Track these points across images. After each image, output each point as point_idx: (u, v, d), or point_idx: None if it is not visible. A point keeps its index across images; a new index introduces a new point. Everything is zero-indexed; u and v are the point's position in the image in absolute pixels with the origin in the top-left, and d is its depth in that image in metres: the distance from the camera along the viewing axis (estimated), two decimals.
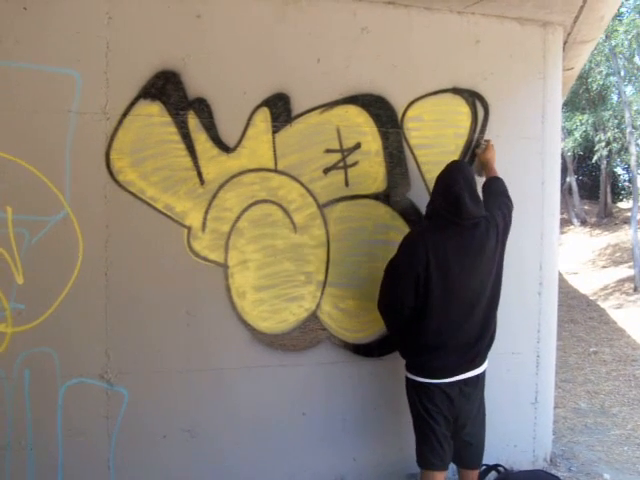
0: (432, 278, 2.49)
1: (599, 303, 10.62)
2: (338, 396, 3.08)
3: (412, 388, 2.68)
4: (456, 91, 3.16)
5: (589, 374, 5.76)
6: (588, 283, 12.26)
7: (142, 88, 2.76)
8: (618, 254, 15.77)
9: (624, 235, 17.34)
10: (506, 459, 3.28)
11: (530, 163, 3.28)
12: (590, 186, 23.71)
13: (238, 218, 2.91)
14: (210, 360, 2.91)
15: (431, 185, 3.02)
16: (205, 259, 2.87)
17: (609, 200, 21.36)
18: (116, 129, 2.74)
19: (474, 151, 3.17)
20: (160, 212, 2.81)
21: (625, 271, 13.80)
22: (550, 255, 3.36)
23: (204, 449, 2.93)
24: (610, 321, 8.97)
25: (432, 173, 3.07)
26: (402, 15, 3.07)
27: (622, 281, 12.80)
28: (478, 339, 2.60)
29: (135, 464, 2.84)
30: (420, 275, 2.50)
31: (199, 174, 2.85)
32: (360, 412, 3.11)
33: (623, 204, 24.37)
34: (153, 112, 2.79)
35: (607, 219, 20.68)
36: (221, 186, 2.88)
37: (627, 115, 12.58)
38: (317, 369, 3.05)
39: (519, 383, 3.31)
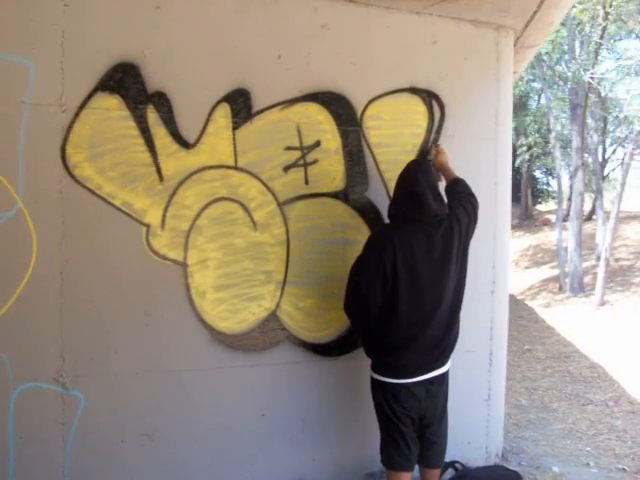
0: (400, 276, 2.78)
1: (527, 302, 11.70)
2: (298, 396, 3.38)
3: (378, 388, 2.97)
4: (414, 91, 3.57)
5: (526, 371, 6.43)
6: (513, 283, 13.32)
7: (100, 80, 2.96)
8: (540, 255, 17.21)
9: (544, 237, 18.90)
10: (460, 456, 3.72)
11: (484, 163, 3.74)
12: (511, 189, 25.47)
13: (198, 216, 3.15)
14: (169, 361, 3.13)
15: (389, 184, 3.47)
16: (164, 258, 3.10)
17: (529, 203, 23.36)
18: (72, 122, 2.92)
19: (426, 158, 3.54)
20: (118, 209, 3.00)
21: (548, 271, 15.08)
22: (502, 254, 3.85)
23: (163, 453, 3.14)
24: (539, 319, 9.91)
25: (390, 172, 3.49)
26: (362, 13, 3.45)
27: (547, 281, 14.03)
28: (444, 337, 2.92)
29: (92, 470, 3.02)
30: (388, 273, 2.79)
31: (158, 170, 3.08)
32: (319, 412, 3.42)
33: (542, 206, 26.38)
34: (111, 105, 3.01)
35: (528, 221, 22.49)
36: (180, 183, 3.11)
37: (551, 120, 13.95)
38: (277, 369, 3.33)
39: (473, 381, 3.76)
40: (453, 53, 3.65)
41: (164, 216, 3.12)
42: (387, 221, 3.37)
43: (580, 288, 12.21)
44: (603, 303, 10.63)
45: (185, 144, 3.14)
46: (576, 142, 12.47)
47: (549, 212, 24.90)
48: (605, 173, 20.22)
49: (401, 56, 3.54)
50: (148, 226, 3.09)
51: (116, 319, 3.07)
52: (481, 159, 3.72)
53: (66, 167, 2.95)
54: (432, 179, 2.98)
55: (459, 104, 3.66)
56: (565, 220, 15.22)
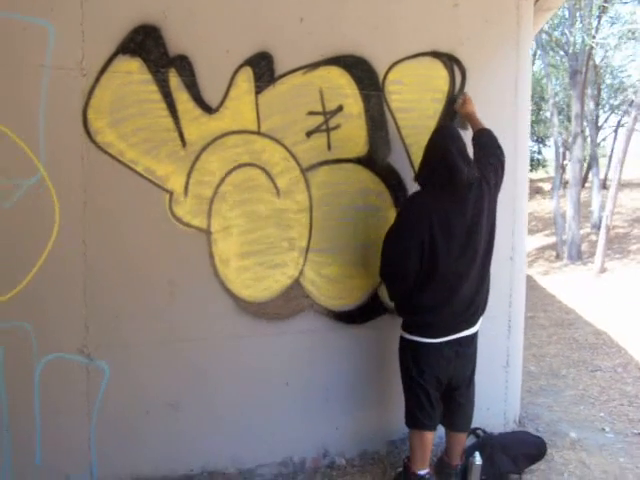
0: (437, 241, 2.84)
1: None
2: (321, 365, 3.41)
3: (407, 348, 3.04)
4: (435, 55, 3.55)
5: (532, 338, 6.51)
6: None
7: (120, 43, 2.92)
8: (533, 223, 17.41)
9: (537, 205, 19.11)
10: (479, 422, 3.76)
11: (503, 130, 3.74)
12: None
13: (221, 182, 3.14)
14: (193, 331, 3.14)
15: (411, 149, 3.47)
16: (187, 225, 3.09)
17: None
18: (93, 86, 2.89)
19: (453, 107, 3.56)
20: (141, 175, 2.99)
21: (543, 239, 15.28)
22: (521, 221, 3.87)
23: (187, 424, 3.17)
24: (539, 287, 10.04)
25: (412, 137, 3.50)
26: None
27: (542, 249, 14.22)
28: (475, 295, 3.01)
29: (117, 441, 3.06)
30: (425, 240, 2.85)
31: (181, 136, 3.05)
32: (343, 380, 3.45)
33: (533, 175, 26.59)
34: (132, 69, 2.97)
35: None
36: (204, 148, 3.09)
37: (549, 87, 14.01)
38: (300, 337, 3.36)
39: (492, 347, 3.81)
40: (474, 17, 3.63)
41: (187, 182, 3.11)
42: (410, 186, 3.42)
43: (578, 256, 12.39)
44: (603, 270, 10.79)
45: (208, 109, 3.11)
46: (575, 109, 12.49)
47: (540, 180, 25.12)
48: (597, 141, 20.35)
49: (422, 20, 3.51)
50: (171, 193, 3.08)
51: (140, 288, 3.07)
52: (501, 125, 3.71)
53: (88, 133, 2.93)
54: (462, 145, 3.00)
55: (479, 69, 3.65)
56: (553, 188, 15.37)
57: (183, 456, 3.23)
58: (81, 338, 2.99)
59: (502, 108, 3.72)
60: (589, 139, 16.53)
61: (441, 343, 2.99)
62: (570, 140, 13.39)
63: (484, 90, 3.66)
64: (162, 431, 3.17)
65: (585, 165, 18.14)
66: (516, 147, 3.76)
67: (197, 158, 3.12)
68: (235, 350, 3.27)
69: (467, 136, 3.34)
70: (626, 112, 18.92)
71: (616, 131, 21.01)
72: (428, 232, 2.87)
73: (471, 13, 3.61)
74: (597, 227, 14.86)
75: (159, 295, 3.10)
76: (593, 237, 13.95)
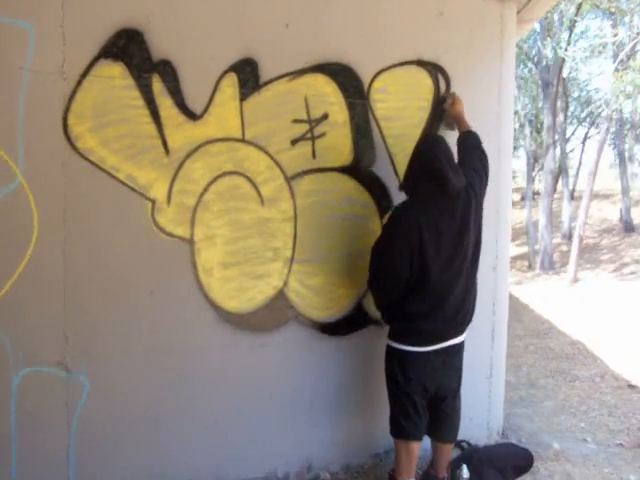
0: (427, 250, 2.84)
1: None
2: (306, 377, 3.36)
3: (394, 357, 3.03)
4: (420, 63, 3.53)
5: (508, 348, 6.57)
6: None
7: (103, 46, 2.85)
8: None
9: None
10: (463, 433, 3.72)
11: (487, 137, 3.76)
12: None
13: (204, 191, 3.08)
14: (175, 342, 3.07)
15: (396, 158, 3.47)
16: (170, 234, 3.02)
17: None
18: (74, 91, 2.81)
19: (442, 107, 3.56)
20: (122, 183, 2.92)
21: (514, 249, 15.48)
22: (504, 229, 3.88)
23: (168, 437, 3.09)
24: (513, 297, 10.13)
25: (397, 146, 3.49)
26: None
27: (514, 259, 14.40)
28: (463, 303, 3.01)
29: (96, 455, 2.97)
30: (414, 249, 2.85)
31: (164, 142, 2.99)
32: (327, 393, 3.41)
33: None
34: (115, 74, 2.90)
35: None
36: (187, 156, 3.03)
37: (521, 99, 14.30)
38: (284, 349, 3.29)
39: (476, 357, 3.79)
40: (459, 25, 3.65)
41: (170, 191, 3.05)
42: (394, 195, 3.43)
43: (550, 265, 12.60)
44: (576, 280, 10.96)
45: (192, 115, 3.07)
46: (547, 121, 12.73)
47: (515, 190, 25.45)
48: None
49: (408, 28, 3.51)
50: (153, 201, 3.02)
51: (121, 298, 3.00)
52: (485, 133, 3.71)
53: (68, 138, 2.86)
54: (450, 154, 3.01)
55: (464, 77, 3.67)
56: (523, 199, 15.61)
57: (164, 469, 3.15)
58: (60, 350, 2.91)
59: (486, 116, 3.74)
60: (559, 150, 16.84)
61: (429, 352, 2.99)
62: (540, 151, 13.63)
63: (468, 98, 3.65)
64: (143, 444, 3.10)
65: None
66: (499, 155, 3.78)
67: (181, 166, 3.06)
68: (218, 361, 3.21)
69: (453, 136, 3.41)
70: (592, 124, 19.40)
71: (583, 143, 21.45)
72: (417, 240, 2.87)
73: (456, 22, 3.63)
74: (567, 237, 15.17)
75: (140, 305, 3.04)
76: (564, 247, 14.20)
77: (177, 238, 3.08)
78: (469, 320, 3.13)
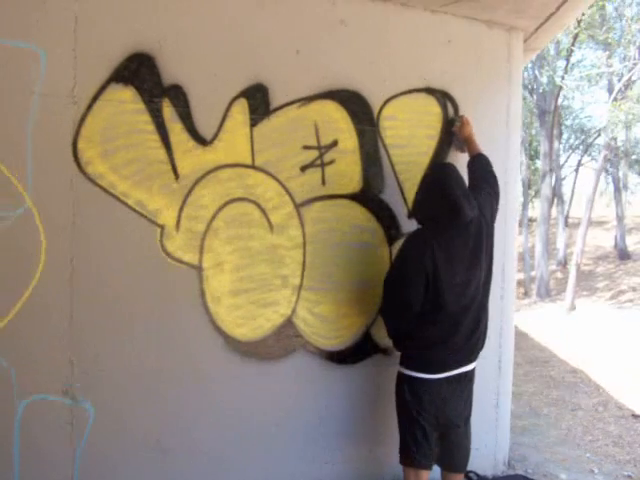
0: (441, 278, 2.84)
1: None
2: (312, 406, 3.32)
3: (406, 384, 3.00)
4: (429, 91, 3.57)
5: None
6: None
7: (114, 71, 2.85)
8: None
9: None
10: (470, 464, 3.78)
11: (494, 164, 3.79)
12: None
13: (214, 217, 3.06)
14: (182, 370, 3.03)
15: (404, 185, 3.48)
16: (179, 261, 3.01)
17: None
18: (84, 115, 2.80)
19: (452, 130, 3.58)
20: (132, 209, 2.90)
21: None
22: (511, 258, 3.91)
23: (174, 465, 3.04)
24: None
25: (405, 173, 3.50)
26: (379, 10, 3.42)
27: None
28: (475, 330, 3.02)
29: None
30: (430, 278, 2.85)
31: (174, 168, 2.98)
32: (334, 421, 3.37)
33: None
34: (125, 98, 2.90)
35: None
36: (197, 182, 3.02)
37: None
38: (291, 378, 3.25)
39: (483, 387, 3.78)
40: (467, 54, 3.68)
41: (179, 217, 3.03)
42: (403, 223, 3.43)
43: (547, 293, 12.66)
44: (573, 308, 11.00)
45: (202, 141, 3.06)
46: (544, 147, 12.87)
47: None
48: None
49: (417, 55, 3.54)
50: (162, 227, 3.00)
51: (128, 326, 2.96)
52: (492, 160, 3.74)
53: (78, 163, 2.84)
54: (462, 183, 3.02)
55: (472, 105, 3.69)
56: (520, 225, 15.68)
57: None
58: (66, 378, 2.86)
59: (493, 143, 3.75)
60: (554, 177, 17.02)
61: (440, 379, 2.98)
62: (533, 178, 13.75)
63: (476, 125, 3.66)
64: (148, 473, 3.04)
65: None
66: (507, 182, 3.79)
67: (190, 192, 3.05)
68: (225, 390, 3.17)
69: (463, 158, 3.47)
70: (585, 152, 19.66)
71: (577, 170, 21.65)
72: (432, 268, 2.87)
73: (464, 50, 3.66)
74: (562, 264, 15.25)
75: (148, 333, 3.00)
76: (559, 274, 14.26)
77: (185, 264, 3.05)
78: (481, 347, 3.13)
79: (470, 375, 3.11)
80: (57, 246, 2.82)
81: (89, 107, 2.85)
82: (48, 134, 2.78)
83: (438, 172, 3.10)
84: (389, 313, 3.07)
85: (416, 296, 2.91)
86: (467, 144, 3.50)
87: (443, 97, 3.62)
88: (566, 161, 20.62)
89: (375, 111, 3.44)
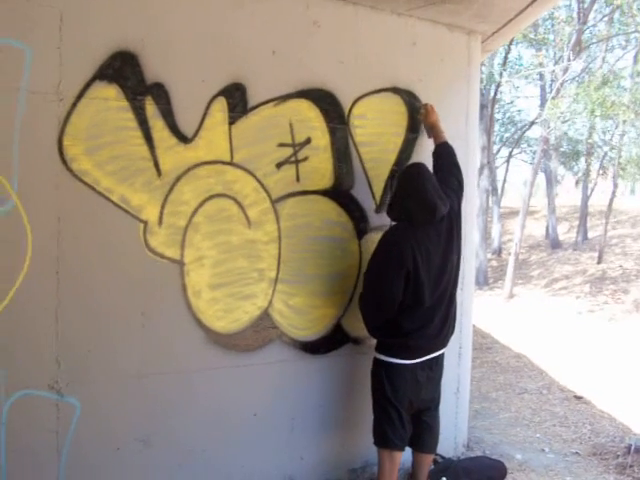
0: (420, 272, 3.08)
1: None
2: (287, 395, 3.52)
3: (382, 369, 3.25)
4: (395, 91, 3.79)
5: None
6: None
7: (98, 68, 2.93)
8: None
9: None
10: None
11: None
12: None
13: (194, 213, 3.21)
14: (165, 364, 3.17)
15: (373, 182, 3.74)
16: (161, 256, 3.13)
17: None
18: (70, 112, 2.88)
19: (417, 118, 3.83)
20: (116, 205, 3.02)
21: None
22: (469, 249, 4.22)
23: (158, 459, 3.18)
24: None
25: (374, 170, 3.72)
26: (350, 12, 3.61)
27: None
28: (447, 318, 3.31)
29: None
30: (410, 272, 3.09)
31: (156, 165, 3.10)
32: (308, 411, 3.58)
33: None
34: (110, 95, 3.00)
35: None
36: (178, 178, 3.15)
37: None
38: (268, 369, 3.44)
39: (445, 374, 4.05)
40: (430, 55, 3.94)
41: (161, 213, 3.16)
42: (372, 218, 3.67)
43: (485, 281, 13.26)
44: (512, 296, 11.59)
45: (183, 138, 3.19)
46: (482, 141, 13.42)
47: None
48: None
49: (385, 56, 3.76)
50: (145, 223, 3.13)
51: (113, 321, 3.07)
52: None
53: (63, 160, 2.92)
54: (435, 182, 3.27)
55: (435, 103, 3.90)
56: None
57: None
58: (52, 373, 2.95)
59: (455, 140, 3.96)
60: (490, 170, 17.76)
61: (415, 364, 3.24)
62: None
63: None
64: (132, 468, 3.16)
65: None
66: (467, 176, 4.03)
67: (172, 188, 3.18)
68: (206, 383, 3.32)
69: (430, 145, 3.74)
70: (515, 144, 20.58)
71: (508, 162, 22.63)
72: (412, 265, 3.10)
73: (428, 52, 3.92)
74: (497, 253, 15.97)
75: (132, 327, 3.12)
76: (494, 262, 14.91)
77: (168, 260, 3.19)
78: (452, 332, 3.44)
79: (441, 360, 3.40)
80: (43, 242, 2.89)
81: (74, 104, 2.93)
82: (34, 131, 2.85)
83: (410, 174, 3.33)
84: (370, 307, 3.29)
85: (397, 292, 3.14)
86: (433, 131, 3.75)
87: (408, 96, 3.86)
88: (497, 152, 21.51)
89: (346, 110, 3.65)
